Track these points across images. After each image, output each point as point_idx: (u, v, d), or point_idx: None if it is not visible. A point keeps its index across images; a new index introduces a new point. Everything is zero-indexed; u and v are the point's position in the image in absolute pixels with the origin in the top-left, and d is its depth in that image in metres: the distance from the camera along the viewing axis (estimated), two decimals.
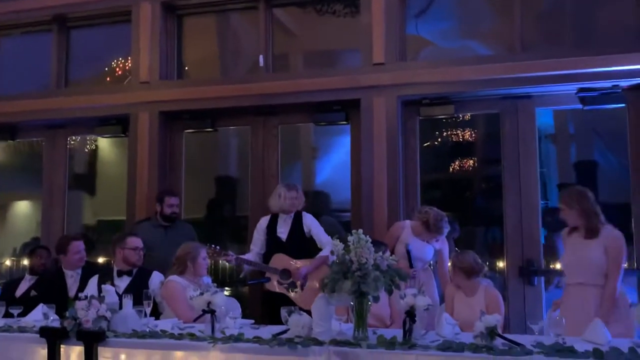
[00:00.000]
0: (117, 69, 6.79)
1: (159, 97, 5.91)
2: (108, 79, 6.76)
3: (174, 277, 4.20)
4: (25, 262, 7.15)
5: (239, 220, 6.96)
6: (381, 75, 5.32)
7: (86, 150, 7.64)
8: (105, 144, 7.55)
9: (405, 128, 5.44)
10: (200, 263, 4.34)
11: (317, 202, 6.53)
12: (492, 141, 6.05)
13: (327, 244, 4.73)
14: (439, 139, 7.89)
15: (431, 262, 4.90)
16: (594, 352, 2.66)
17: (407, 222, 4.84)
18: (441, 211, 4.71)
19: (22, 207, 9.67)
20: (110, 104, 6.04)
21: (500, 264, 5.49)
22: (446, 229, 4.66)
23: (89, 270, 4.69)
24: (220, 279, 5.95)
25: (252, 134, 5.95)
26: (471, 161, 8.19)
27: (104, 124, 6.20)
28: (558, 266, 4.91)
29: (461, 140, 7.98)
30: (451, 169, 8.23)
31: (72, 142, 6.76)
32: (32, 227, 8.90)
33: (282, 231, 4.98)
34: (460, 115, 5.88)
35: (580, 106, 5.04)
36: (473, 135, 7.84)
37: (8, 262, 7.22)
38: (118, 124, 6.12)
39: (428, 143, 7.30)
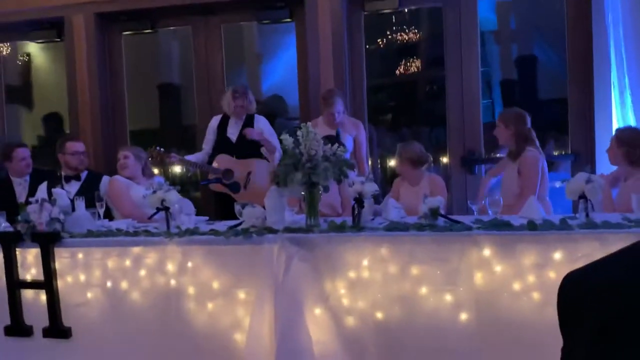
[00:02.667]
0: None
1: None
2: None
3: (117, 177, 4.20)
4: None
5: (186, 129, 6.90)
6: None
7: (19, 61, 7.30)
8: (39, 55, 7.22)
9: (350, 24, 5.42)
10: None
11: (269, 106, 6.52)
12: (436, 41, 6.10)
13: (277, 151, 4.79)
14: (384, 40, 7.87)
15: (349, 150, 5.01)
16: (528, 225, 2.87)
17: (319, 118, 4.88)
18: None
19: None
20: (42, 7, 5.74)
21: (444, 160, 5.71)
22: (337, 101, 4.71)
23: (37, 176, 4.63)
24: (171, 182, 5.97)
25: (194, 35, 5.81)
26: (416, 62, 8.25)
27: (37, 29, 5.91)
28: (498, 155, 5.16)
29: (405, 40, 7.98)
30: (396, 72, 8.28)
31: (4, 53, 6.44)
32: None
33: (232, 132, 4.98)
34: (404, 11, 5.86)
35: None
36: (417, 35, 7.85)
37: None
38: (52, 28, 5.85)
39: (373, 45, 7.29)
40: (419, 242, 2.97)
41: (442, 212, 3.17)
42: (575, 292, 1.01)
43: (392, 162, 6.21)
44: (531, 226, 2.86)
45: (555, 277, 2.79)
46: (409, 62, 8.17)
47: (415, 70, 8.21)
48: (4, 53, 6.50)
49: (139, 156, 4.44)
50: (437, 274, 2.94)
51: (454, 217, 3.21)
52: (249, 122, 4.97)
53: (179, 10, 5.66)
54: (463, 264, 2.91)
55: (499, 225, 2.94)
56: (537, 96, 6.96)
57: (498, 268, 2.87)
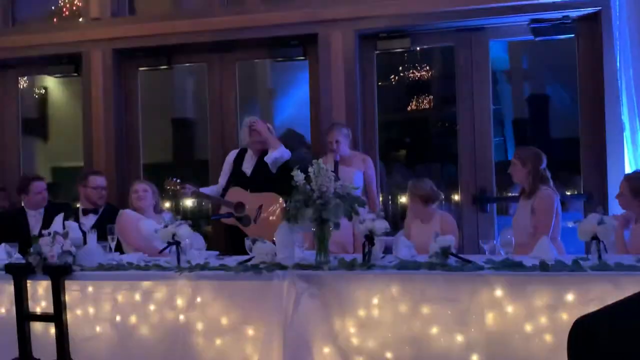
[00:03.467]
0: (65, 9, 6.58)
1: (111, 34, 5.76)
2: (55, 19, 6.55)
3: (126, 210, 4.23)
4: None
5: (199, 164, 6.95)
6: (338, 8, 5.31)
7: (35, 94, 7.44)
8: (56, 88, 7.35)
9: (362, 63, 5.49)
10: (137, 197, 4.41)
11: (290, 141, 6.56)
12: (448, 78, 6.16)
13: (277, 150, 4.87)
14: (396, 77, 7.97)
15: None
16: (540, 265, 2.85)
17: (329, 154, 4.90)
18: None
19: None
20: (61, 42, 5.85)
21: (456, 197, 5.70)
22: (336, 131, 4.74)
23: (52, 209, 4.67)
24: (182, 216, 6.00)
25: (209, 71, 5.90)
26: (427, 99, 8.32)
27: (56, 64, 6.03)
28: (510, 194, 5.15)
29: (417, 77, 8.08)
30: (408, 108, 8.36)
31: (22, 85, 6.57)
32: None
33: (248, 166, 5.02)
34: (417, 50, 5.94)
35: (532, 37, 5.16)
36: (429, 72, 7.94)
37: None
38: (70, 63, 5.96)
39: (385, 82, 7.37)
40: (430, 281, 2.95)
41: (453, 250, 3.15)
42: (586, 338, 1.00)
43: (403, 199, 6.21)
44: (543, 267, 2.84)
45: (567, 318, 2.75)
46: (421, 99, 8.25)
47: (427, 107, 8.28)
48: (22, 86, 6.63)
49: (155, 191, 4.53)
50: (448, 313, 2.91)
51: (465, 256, 3.19)
52: (264, 155, 5.00)
53: (195, 47, 5.76)
54: (474, 304, 2.88)
55: (510, 266, 2.92)
56: (549, 135, 6.98)
57: (509, 309, 2.84)
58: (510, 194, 5.31)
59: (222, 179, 5.11)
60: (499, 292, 2.86)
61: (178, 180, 4.85)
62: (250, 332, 3.15)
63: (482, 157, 5.29)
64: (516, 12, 5.03)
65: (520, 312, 2.82)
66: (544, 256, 3.06)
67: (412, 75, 8.06)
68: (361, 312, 3.03)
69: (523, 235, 3.82)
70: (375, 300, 3.02)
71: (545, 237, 3.32)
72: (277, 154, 4.87)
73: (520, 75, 7.07)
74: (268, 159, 4.89)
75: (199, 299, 3.23)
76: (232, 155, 5.14)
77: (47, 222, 4.44)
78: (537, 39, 5.14)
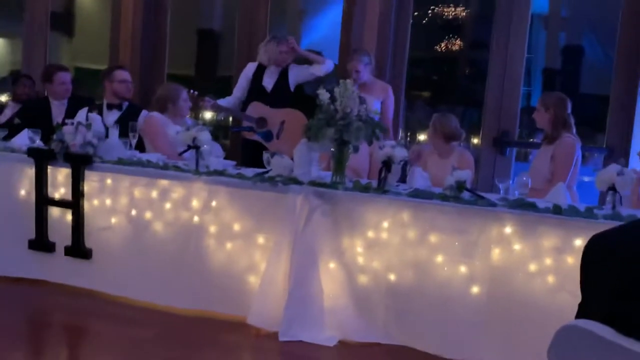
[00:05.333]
0: None
1: None
2: None
3: (155, 113, 4.24)
4: (3, 98, 7.11)
5: (221, 80, 6.90)
6: None
7: None
8: None
9: None
10: (181, 104, 4.37)
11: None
12: (484, 20, 6.00)
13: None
14: (431, 13, 7.77)
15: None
16: (553, 208, 2.87)
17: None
18: None
19: None
20: None
21: (475, 141, 5.67)
22: (359, 58, 4.72)
23: (75, 101, 4.69)
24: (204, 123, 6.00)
25: None
26: (460, 40, 8.13)
27: None
28: (532, 140, 5.12)
29: (453, 16, 7.87)
30: (439, 47, 8.19)
31: None
32: (8, 66, 8.70)
33: (268, 81, 4.98)
34: None
35: None
36: (465, 11, 7.73)
37: None
38: None
39: (419, 17, 7.19)
40: (441, 211, 2.99)
41: (469, 186, 3.17)
42: (599, 253, 1.03)
43: (422, 137, 6.20)
44: (556, 210, 2.86)
45: (573, 263, 2.79)
46: (453, 39, 8.07)
47: (459, 48, 8.11)
48: None
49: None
50: (455, 245, 2.97)
51: (480, 193, 3.21)
52: (285, 70, 4.97)
53: None
54: (482, 238, 2.93)
55: (523, 205, 2.94)
56: (578, 89, 6.85)
57: (517, 246, 2.89)
58: (532, 140, 5.26)
59: (239, 92, 5.05)
60: (508, 229, 2.90)
61: (196, 93, 4.83)
62: (261, 240, 3.23)
63: (509, 102, 5.22)
64: None
65: (527, 251, 2.87)
66: (558, 201, 3.08)
67: (447, 13, 7.85)
68: (370, 234, 3.09)
69: (540, 181, 3.82)
70: (385, 224, 3.07)
71: (562, 184, 3.33)
72: (328, 66, 4.90)
73: (558, 24, 6.86)
74: (318, 71, 4.89)
75: (214, 203, 3.30)
76: (251, 68, 5.07)
77: (70, 113, 4.47)
78: None
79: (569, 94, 6.07)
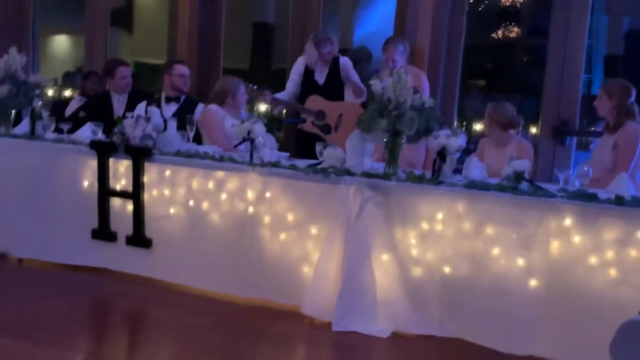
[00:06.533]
0: None
1: None
2: None
3: (212, 106, 4.32)
4: (68, 92, 7.38)
5: (275, 73, 6.95)
6: None
7: None
8: None
9: None
10: (240, 98, 4.44)
11: (358, 56, 6.47)
12: (543, 6, 5.83)
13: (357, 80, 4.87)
14: (486, 1, 7.60)
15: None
16: (615, 199, 2.78)
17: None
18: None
19: (62, 41, 9.75)
20: None
21: (534, 130, 5.52)
22: (393, 49, 4.67)
23: (135, 95, 4.82)
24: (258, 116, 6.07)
25: None
26: (517, 27, 7.93)
27: None
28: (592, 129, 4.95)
29: (510, 2, 7.67)
30: (495, 34, 8.00)
31: None
32: (72, 62, 9.02)
33: (320, 76, 5.00)
34: None
35: None
36: (522, 0, 7.52)
37: (50, 92, 7.42)
38: None
39: (475, 3, 7.05)
40: (498, 202, 2.94)
41: (527, 177, 3.10)
42: None
43: (478, 126, 6.08)
44: (618, 200, 2.77)
45: (636, 255, 2.71)
46: (510, 26, 7.87)
47: (516, 35, 7.90)
48: None
49: None
50: (513, 237, 2.91)
51: (539, 183, 3.13)
52: (334, 63, 4.96)
53: None
54: (540, 230, 2.86)
55: (583, 196, 2.85)
56: None
57: (576, 239, 2.81)
58: (593, 129, 5.09)
59: (292, 86, 5.08)
60: (568, 221, 2.82)
61: (255, 87, 4.90)
62: (314, 231, 3.26)
63: (569, 90, 5.06)
64: None
65: (587, 244, 2.79)
66: (620, 192, 2.97)
67: (504, 6, 7.68)
68: (424, 225, 3.06)
69: (601, 171, 3.69)
70: (439, 216, 3.04)
71: (625, 174, 3.20)
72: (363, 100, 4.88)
73: (620, 8, 6.58)
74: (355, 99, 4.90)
75: (268, 194, 3.34)
76: (301, 64, 5.07)
77: (130, 107, 4.60)
78: None
79: (632, 81, 5.84)
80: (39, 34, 7.55)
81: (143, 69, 8.43)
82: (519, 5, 7.80)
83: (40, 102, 4.16)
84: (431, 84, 4.98)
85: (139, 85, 5.84)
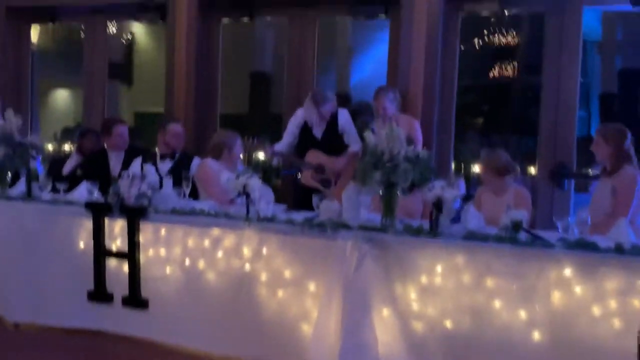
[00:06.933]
0: None
1: None
2: None
3: (208, 160, 4.33)
4: (67, 147, 7.43)
5: (273, 117, 7.02)
6: None
7: (123, 40, 7.67)
8: (142, 34, 7.57)
9: (446, 25, 5.30)
10: (236, 151, 4.46)
11: (358, 109, 6.52)
12: (534, 46, 5.90)
13: (356, 142, 4.83)
14: (480, 41, 7.69)
15: None
16: (615, 248, 2.74)
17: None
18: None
19: (62, 95, 9.88)
20: None
21: (532, 171, 5.51)
22: (383, 96, 4.71)
23: (132, 153, 4.86)
24: (254, 167, 6.10)
25: (290, 26, 5.89)
26: (510, 67, 8.01)
27: (143, 10, 6.18)
28: (591, 171, 4.93)
29: (502, 43, 7.77)
30: (489, 74, 8.08)
31: (110, 32, 6.78)
32: (71, 115, 9.12)
33: (317, 130, 5.03)
34: (504, 14, 5.69)
35: (629, 7, 4.82)
36: (514, 38, 7.62)
37: (50, 147, 7.47)
38: (156, 9, 6.09)
39: (467, 45, 7.13)
40: (497, 254, 2.89)
41: (525, 226, 3.07)
42: None
43: (476, 168, 6.07)
44: (618, 249, 2.72)
45: (639, 305, 2.64)
46: (504, 66, 7.95)
47: (509, 75, 7.97)
48: (110, 32, 6.84)
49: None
50: (513, 288, 2.86)
51: (537, 232, 3.10)
52: (333, 118, 5.00)
53: (278, 1, 5.75)
54: (541, 281, 2.81)
55: (583, 245, 2.81)
56: (637, 113, 6.59)
57: (578, 289, 2.75)
58: (590, 171, 5.07)
59: (290, 137, 5.10)
60: (568, 272, 2.77)
61: (255, 141, 4.95)
62: (312, 287, 3.21)
63: (564, 131, 5.07)
64: None
65: (589, 294, 2.73)
66: (620, 239, 2.93)
67: (496, 40, 7.77)
68: (423, 279, 3.02)
69: (600, 216, 3.67)
70: (439, 269, 2.99)
71: (624, 219, 3.17)
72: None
73: (612, 48, 6.66)
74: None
75: (264, 251, 3.31)
76: (300, 117, 5.09)
77: (127, 164, 4.63)
78: (635, 8, 4.80)
79: (628, 117, 5.87)
80: (39, 88, 7.66)
81: (142, 118, 8.51)
82: (512, 45, 7.89)
83: (41, 157, 4.21)
84: (426, 127, 5.00)
85: (139, 133, 5.90)
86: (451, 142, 5.45)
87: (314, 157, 4.98)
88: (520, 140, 6.99)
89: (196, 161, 4.59)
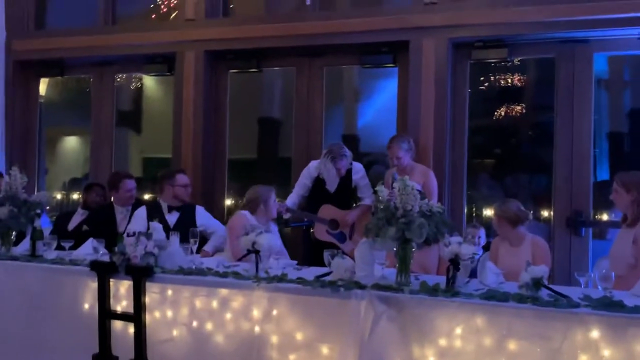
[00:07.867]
0: (163, 7, 6.76)
1: (204, 35, 5.89)
2: (154, 16, 6.74)
3: (245, 212, 4.28)
4: (75, 196, 7.39)
5: (282, 162, 6.98)
6: (432, 15, 5.15)
7: (132, 88, 7.70)
8: (150, 83, 7.60)
9: (455, 72, 5.29)
10: (272, 205, 4.43)
11: (361, 146, 6.49)
12: (544, 87, 5.85)
13: (370, 197, 4.77)
14: (488, 83, 7.65)
15: None
16: None
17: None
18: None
19: (71, 143, 9.90)
20: (157, 42, 6.05)
21: (545, 214, 5.39)
22: (396, 146, 4.68)
23: (138, 207, 4.79)
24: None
25: (297, 76, 5.90)
26: (520, 107, 7.95)
27: (151, 62, 6.24)
28: (606, 217, 4.81)
29: (511, 85, 7.72)
30: (499, 115, 8.01)
31: (118, 80, 6.82)
32: (80, 163, 9.11)
33: (331, 185, 4.97)
34: (513, 60, 5.66)
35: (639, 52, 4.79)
36: (524, 80, 7.57)
37: (58, 196, 7.44)
38: (164, 62, 6.14)
39: (476, 90, 7.10)
40: (518, 315, 2.76)
41: (546, 282, 2.94)
42: None
43: (488, 211, 5.97)
44: None
45: None
46: (514, 111, 7.88)
47: (520, 119, 7.89)
48: (117, 82, 6.89)
49: None
50: (537, 351, 2.71)
51: (559, 288, 2.97)
52: (347, 172, 4.94)
53: (285, 51, 5.80)
54: (567, 344, 2.67)
55: (609, 305, 2.68)
56: None
57: (606, 352, 2.61)
58: (606, 217, 4.96)
59: (302, 190, 5.05)
60: (595, 334, 2.63)
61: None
62: (325, 350, 3.07)
63: (579, 177, 4.99)
64: (625, 25, 4.68)
65: (618, 357, 2.58)
66: None
67: (506, 85, 7.73)
68: (442, 342, 2.87)
69: (622, 267, 3.53)
70: (458, 330, 2.86)
71: None
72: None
73: (621, 87, 6.60)
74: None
75: (275, 312, 3.18)
76: (314, 170, 5.03)
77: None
78: None
79: (637, 157, 5.75)
80: (48, 137, 7.68)
81: (151, 163, 8.50)
82: (521, 83, 7.84)
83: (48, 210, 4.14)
84: (437, 174, 4.92)
85: (149, 180, 5.88)
86: (464, 187, 5.38)
87: (327, 211, 4.91)
88: (532, 178, 6.85)
89: (199, 209, 4.55)
